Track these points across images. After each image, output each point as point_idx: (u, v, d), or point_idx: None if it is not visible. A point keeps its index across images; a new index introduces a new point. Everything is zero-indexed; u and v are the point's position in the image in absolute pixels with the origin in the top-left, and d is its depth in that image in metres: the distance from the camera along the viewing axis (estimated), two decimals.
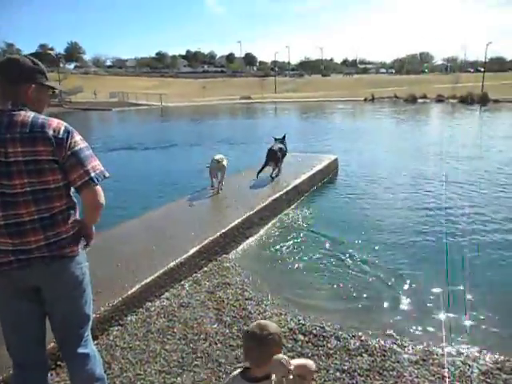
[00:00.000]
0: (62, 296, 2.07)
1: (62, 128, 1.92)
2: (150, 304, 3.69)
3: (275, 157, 7.53)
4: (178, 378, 2.82)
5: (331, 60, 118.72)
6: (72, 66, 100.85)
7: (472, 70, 74.00)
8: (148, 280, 3.74)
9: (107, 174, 2.04)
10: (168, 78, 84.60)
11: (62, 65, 72.13)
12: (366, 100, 40.50)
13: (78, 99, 47.62)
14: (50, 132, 1.89)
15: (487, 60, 52.16)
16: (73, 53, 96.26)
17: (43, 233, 1.94)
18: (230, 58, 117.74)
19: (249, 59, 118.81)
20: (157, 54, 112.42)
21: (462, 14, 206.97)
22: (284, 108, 37.38)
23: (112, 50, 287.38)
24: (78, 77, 71.85)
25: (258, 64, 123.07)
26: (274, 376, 1.63)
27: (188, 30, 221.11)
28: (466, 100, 33.85)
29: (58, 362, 2.82)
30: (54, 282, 2.03)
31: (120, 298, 3.43)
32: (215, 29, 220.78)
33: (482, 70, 48.18)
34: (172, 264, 4.05)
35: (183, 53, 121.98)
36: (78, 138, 1.96)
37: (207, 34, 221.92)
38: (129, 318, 3.46)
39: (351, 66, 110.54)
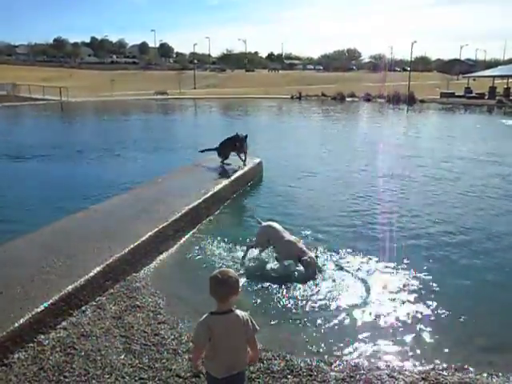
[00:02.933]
0: None
1: None
2: (43, 337, 3.47)
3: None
4: None
5: (256, 53, 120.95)
6: None
7: (399, 69, 79.51)
8: (40, 308, 3.50)
9: None
10: (69, 69, 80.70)
11: None
12: (292, 98, 41.78)
13: None
14: None
15: (413, 59, 56.37)
16: None
17: None
18: (142, 48, 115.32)
19: (164, 50, 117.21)
20: (55, 40, 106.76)
21: (389, 12, 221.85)
22: (204, 105, 37.39)
23: None
24: None
25: (174, 56, 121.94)
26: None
27: (92, 13, 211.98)
28: (394, 99, 36.34)
29: None
30: None
31: (4, 333, 3.18)
32: (125, 14, 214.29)
33: (408, 69, 52.02)
34: (70, 288, 3.85)
35: (87, 40, 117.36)
36: None
37: (116, 19, 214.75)
38: (16, 356, 3.22)
39: (277, 61, 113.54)
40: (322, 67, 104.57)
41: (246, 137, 9.20)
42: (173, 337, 3.61)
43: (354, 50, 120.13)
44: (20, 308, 3.47)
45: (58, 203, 7.59)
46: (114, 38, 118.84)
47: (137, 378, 3.09)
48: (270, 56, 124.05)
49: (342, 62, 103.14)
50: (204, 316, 2.36)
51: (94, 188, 8.69)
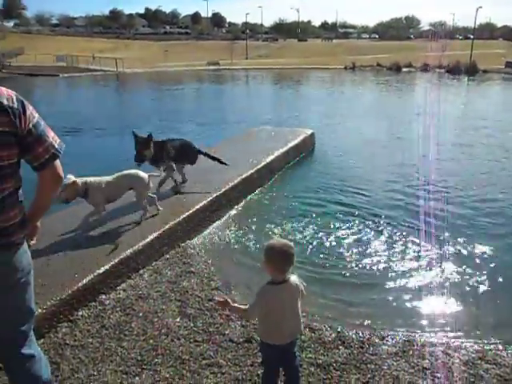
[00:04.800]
0: (6, 288, 1.99)
1: (14, 97, 1.87)
2: (104, 297, 3.64)
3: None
4: (137, 378, 2.81)
5: (309, 22, 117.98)
6: (11, 23, 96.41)
7: (461, 37, 75.22)
8: (102, 270, 3.68)
9: (64, 145, 2.06)
10: (124, 40, 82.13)
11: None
12: (346, 68, 40.64)
13: (18, 62, 45.66)
14: (4, 101, 1.82)
15: (476, 26, 53.06)
16: (11, 8, 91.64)
17: None
18: (195, 18, 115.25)
19: (217, 20, 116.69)
20: (111, 11, 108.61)
21: None
22: (256, 75, 37.10)
23: (58, 7, 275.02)
24: (18, 36, 68.86)
25: (227, 26, 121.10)
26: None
27: None
28: (454, 70, 34.50)
29: None
30: None
31: (70, 291, 3.36)
32: None
33: (471, 37, 49.04)
34: (129, 252, 4.00)
35: (141, 11, 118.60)
36: (31, 108, 1.94)
37: None
38: (80, 313, 3.41)
39: (331, 30, 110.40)
40: (377, 36, 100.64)
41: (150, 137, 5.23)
42: None
43: (412, 17, 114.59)
44: (83, 269, 3.65)
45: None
46: (167, 9, 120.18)
47: (192, 340, 3.19)
48: (324, 25, 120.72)
49: (399, 30, 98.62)
50: (262, 286, 2.37)
51: None
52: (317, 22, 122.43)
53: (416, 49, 51.73)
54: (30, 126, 1.89)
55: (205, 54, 55.20)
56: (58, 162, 2.03)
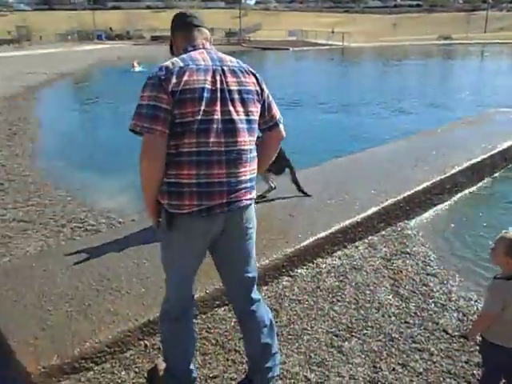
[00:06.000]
0: (244, 239, 2.20)
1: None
2: (320, 260, 3.83)
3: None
4: (346, 343, 2.90)
5: None
6: (253, 1, 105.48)
7: None
8: (321, 235, 3.85)
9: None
10: (353, 14, 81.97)
11: (243, 0, 75.91)
12: None
13: (256, 37, 49.95)
14: (249, 67, 2.15)
15: None
16: None
17: (249, 166, 2.11)
18: None
19: None
20: None
21: None
22: (494, 51, 32.89)
23: None
24: (258, 13, 74.98)
25: None
26: None
27: None
28: None
29: None
30: (240, 226, 2.16)
31: (293, 249, 3.63)
32: None
33: None
34: (347, 222, 4.08)
35: None
36: None
37: None
38: (299, 271, 3.66)
39: None
40: None
41: None
42: (442, 291, 3.48)
43: None
44: (305, 231, 3.89)
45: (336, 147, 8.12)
46: None
47: (402, 321, 3.12)
48: None
49: None
50: (493, 282, 2.17)
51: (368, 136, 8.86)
52: None
53: None
54: (266, 91, 2.19)
55: (436, 28, 51.37)
56: (281, 125, 2.28)
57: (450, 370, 2.69)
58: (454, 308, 3.28)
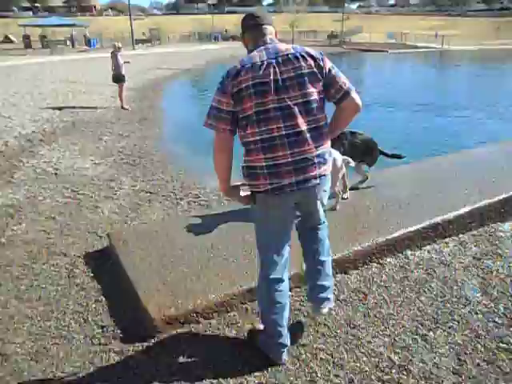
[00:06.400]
0: (316, 208, 2.40)
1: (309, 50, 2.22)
2: (410, 252, 3.65)
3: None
4: (431, 333, 2.75)
5: None
6: (356, 5, 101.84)
7: None
8: (412, 228, 3.67)
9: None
10: (455, 17, 75.65)
11: (346, 5, 73.54)
12: None
13: (356, 39, 48.33)
14: (310, 51, 2.19)
15: None
16: None
17: (314, 143, 2.15)
18: None
19: None
20: None
21: None
22: None
23: None
24: (359, 17, 72.28)
25: None
26: None
27: None
28: None
29: None
30: (312, 201, 2.33)
31: (384, 238, 3.50)
32: None
33: None
34: (439, 218, 3.83)
35: None
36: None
37: None
38: (388, 260, 3.53)
39: None
40: None
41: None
42: None
43: None
44: (397, 223, 3.73)
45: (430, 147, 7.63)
46: None
47: (490, 320, 2.88)
48: None
49: None
50: None
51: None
52: None
53: None
54: (327, 66, 2.19)
55: None
56: (354, 94, 2.22)
57: None
58: None
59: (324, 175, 2.23)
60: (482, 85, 18.81)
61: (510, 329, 2.81)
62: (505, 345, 2.67)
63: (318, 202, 2.36)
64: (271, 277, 2.33)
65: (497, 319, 2.91)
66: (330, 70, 2.18)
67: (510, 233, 4.15)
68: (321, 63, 2.15)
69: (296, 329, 2.72)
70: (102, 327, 2.81)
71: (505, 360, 2.54)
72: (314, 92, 2.13)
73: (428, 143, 8.01)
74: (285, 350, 2.43)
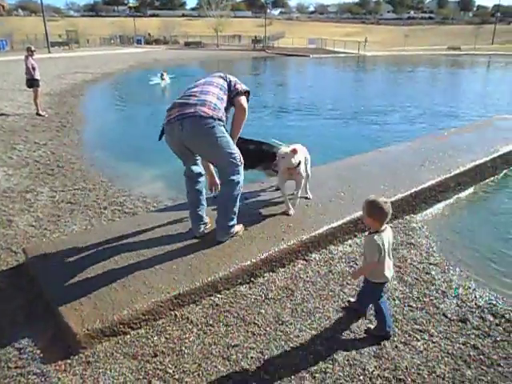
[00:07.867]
0: None
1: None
2: (333, 247, 3.82)
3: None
4: (354, 322, 2.91)
5: None
6: (278, 11, 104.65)
7: None
8: (334, 224, 3.85)
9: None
10: (368, 25, 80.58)
11: (268, 10, 75.33)
12: None
13: (279, 44, 49.57)
14: None
15: None
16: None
17: None
18: (441, 2, 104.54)
19: (464, 4, 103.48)
20: None
21: None
22: (498, 62, 31.95)
23: None
24: (281, 22, 74.29)
25: (475, 9, 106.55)
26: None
27: None
28: None
29: None
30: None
31: (308, 236, 3.63)
32: None
33: None
34: (358, 214, 4.04)
35: None
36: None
37: None
38: (313, 256, 3.67)
39: None
40: None
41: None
42: (443, 279, 3.45)
43: None
44: (320, 220, 3.89)
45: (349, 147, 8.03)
46: None
47: (406, 305, 3.11)
48: None
49: None
50: (367, 238, 2.64)
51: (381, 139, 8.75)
52: None
53: None
54: None
55: (446, 39, 50.22)
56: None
57: (448, 350, 2.68)
58: (453, 295, 3.25)
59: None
60: (394, 87, 20.19)
61: (423, 311, 3.06)
62: (419, 326, 2.90)
63: None
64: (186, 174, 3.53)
65: (412, 303, 3.14)
66: None
67: (422, 223, 4.52)
68: None
69: (226, 330, 2.73)
70: (19, 349, 2.62)
71: (419, 340, 2.75)
72: None
73: (345, 144, 8.42)
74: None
